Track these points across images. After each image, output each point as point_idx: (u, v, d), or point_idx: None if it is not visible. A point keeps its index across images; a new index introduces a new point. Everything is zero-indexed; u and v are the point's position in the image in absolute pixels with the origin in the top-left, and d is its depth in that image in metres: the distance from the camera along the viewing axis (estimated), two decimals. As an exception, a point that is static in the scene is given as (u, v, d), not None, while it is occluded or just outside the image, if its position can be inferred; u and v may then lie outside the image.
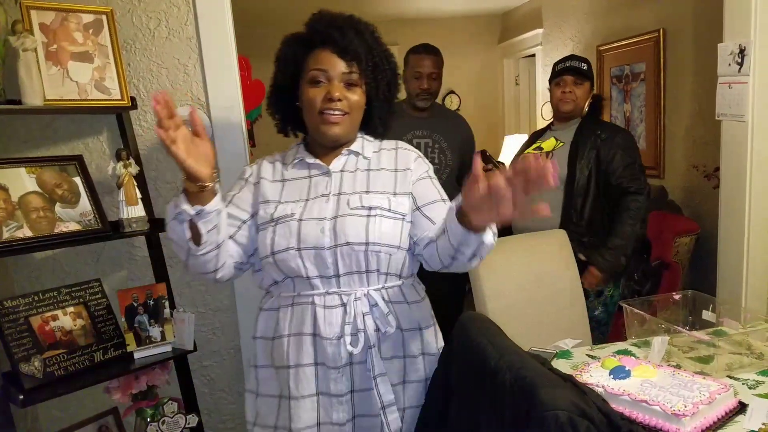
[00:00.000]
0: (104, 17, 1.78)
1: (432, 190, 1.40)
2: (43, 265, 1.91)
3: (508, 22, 6.01)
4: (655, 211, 3.06)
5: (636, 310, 1.63)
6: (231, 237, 1.36)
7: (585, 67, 2.50)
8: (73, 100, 1.72)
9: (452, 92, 6.15)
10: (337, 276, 1.31)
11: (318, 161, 1.40)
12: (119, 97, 1.79)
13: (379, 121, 1.44)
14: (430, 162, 1.47)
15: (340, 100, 1.32)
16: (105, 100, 1.77)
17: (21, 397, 1.50)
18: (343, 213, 1.31)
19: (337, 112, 1.33)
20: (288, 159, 1.45)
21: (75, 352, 1.62)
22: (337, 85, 1.32)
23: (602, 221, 2.39)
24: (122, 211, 1.78)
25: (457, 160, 2.70)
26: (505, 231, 2.54)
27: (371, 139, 1.47)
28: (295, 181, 1.40)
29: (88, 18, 1.75)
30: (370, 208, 1.32)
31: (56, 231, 1.64)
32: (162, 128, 1.09)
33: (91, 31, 1.76)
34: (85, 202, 1.75)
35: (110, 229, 1.76)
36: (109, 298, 1.79)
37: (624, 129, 2.75)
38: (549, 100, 2.65)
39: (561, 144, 2.47)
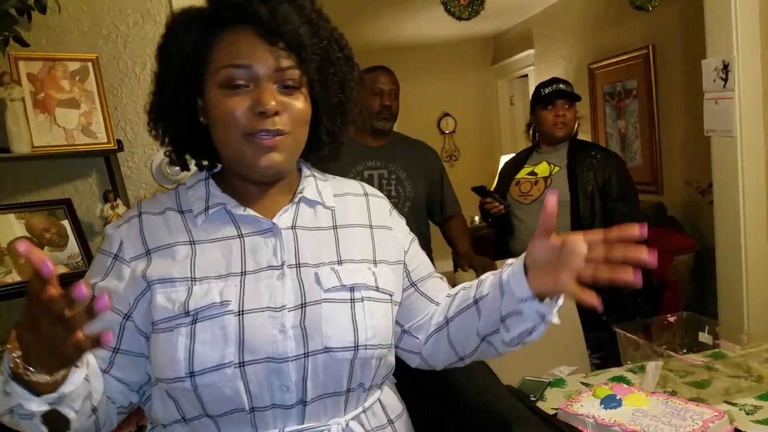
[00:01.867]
0: (90, 64, 1.80)
1: (424, 259, 1.05)
2: (36, 310, 1.91)
3: (501, 44, 6.06)
4: (654, 228, 3.05)
5: (629, 335, 1.61)
6: (105, 371, 0.85)
7: (572, 89, 2.50)
8: (61, 145, 1.74)
9: (448, 115, 6.20)
10: (303, 404, 0.84)
11: (253, 213, 0.90)
12: (105, 141, 1.81)
13: (327, 138, 0.95)
14: (386, 196, 1.09)
15: (277, 113, 0.84)
16: (92, 144, 1.79)
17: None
18: (314, 298, 0.86)
19: (271, 132, 0.84)
20: (191, 204, 0.92)
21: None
22: (269, 89, 0.84)
23: None
24: (112, 253, 1.78)
25: (423, 191, 2.47)
26: (504, 254, 2.52)
27: (323, 175, 1.01)
28: (214, 244, 0.88)
29: (74, 66, 1.78)
30: (352, 288, 0.88)
31: (45, 277, 1.64)
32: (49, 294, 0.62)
33: (77, 78, 1.78)
34: (73, 245, 1.75)
35: (99, 272, 1.76)
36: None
37: (615, 153, 2.75)
38: (532, 123, 2.59)
39: (558, 169, 2.44)
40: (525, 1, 4.63)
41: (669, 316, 1.70)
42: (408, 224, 1.07)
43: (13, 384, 0.70)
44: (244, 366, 0.80)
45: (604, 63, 3.96)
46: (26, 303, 0.65)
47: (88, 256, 1.76)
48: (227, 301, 0.83)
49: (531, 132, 2.64)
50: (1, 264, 1.59)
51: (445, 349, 0.98)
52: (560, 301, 0.84)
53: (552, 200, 0.78)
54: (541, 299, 0.83)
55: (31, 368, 0.69)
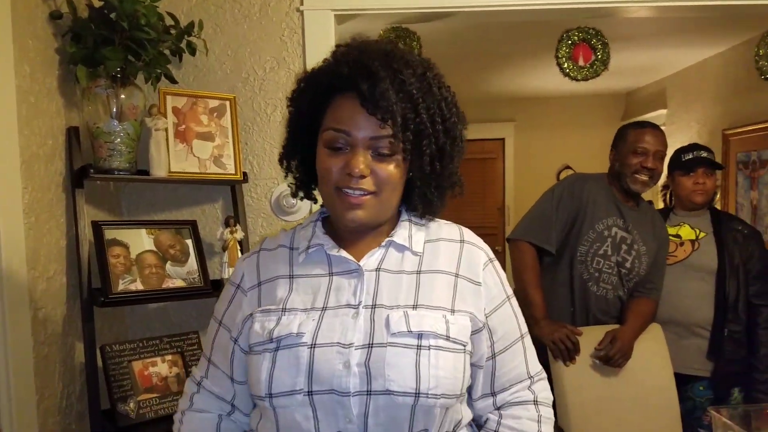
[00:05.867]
0: (228, 103, 2.03)
1: (513, 323, 1.05)
2: (155, 315, 2.14)
3: (632, 101, 5.87)
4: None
5: (725, 420, 1.49)
6: (231, 402, 1.07)
7: (713, 156, 2.45)
8: (194, 173, 1.96)
9: (568, 167, 6.07)
10: None
11: (343, 254, 0.99)
12: (233, 172, 2.02)
13: (420, 201, 1.02)
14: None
15: (363, 176, 0.93)
16: (221, 174, 2.00)
17: (115, 434, 1.68)
18: (381, 341, 0.91)
19: (357, 192, 0.94)
20: (299, 243, 1.04)
21: (166, 397, 1.78)
22: (361, 155, 0.93)
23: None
24: (224, 271, 1.97)
25: (647, 269, 2.21)
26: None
27: (421, 221, 1.05)
28: (307, 279, 0.99)
29: (214, 103, 2.02)
30: (420, 335, 0.92)
31: (163, 286, 1.84)
32: None
33: (215, 114, 2.02)
34: (192, 262, 1.95)
35: (211, 288, 1.95)
36: (205, 351, 1.97)
37: (757, 230, 2.59)
38: (669, 186, 2.57)
39: (704, 234, 2.39)
40: (660, 61, 4.48)
41: (774, 407, 1.55)
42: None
43: None
44: (312, 395, 0.90)
45: (741, 130, 3.72)
46: None
47: (204, 273, 1.96)
48: (302, 333, 0.93)
49: (667, 195, 2.60)
50: (129, 273, 1.81)
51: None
52: None
53: None
54: None
55: None
